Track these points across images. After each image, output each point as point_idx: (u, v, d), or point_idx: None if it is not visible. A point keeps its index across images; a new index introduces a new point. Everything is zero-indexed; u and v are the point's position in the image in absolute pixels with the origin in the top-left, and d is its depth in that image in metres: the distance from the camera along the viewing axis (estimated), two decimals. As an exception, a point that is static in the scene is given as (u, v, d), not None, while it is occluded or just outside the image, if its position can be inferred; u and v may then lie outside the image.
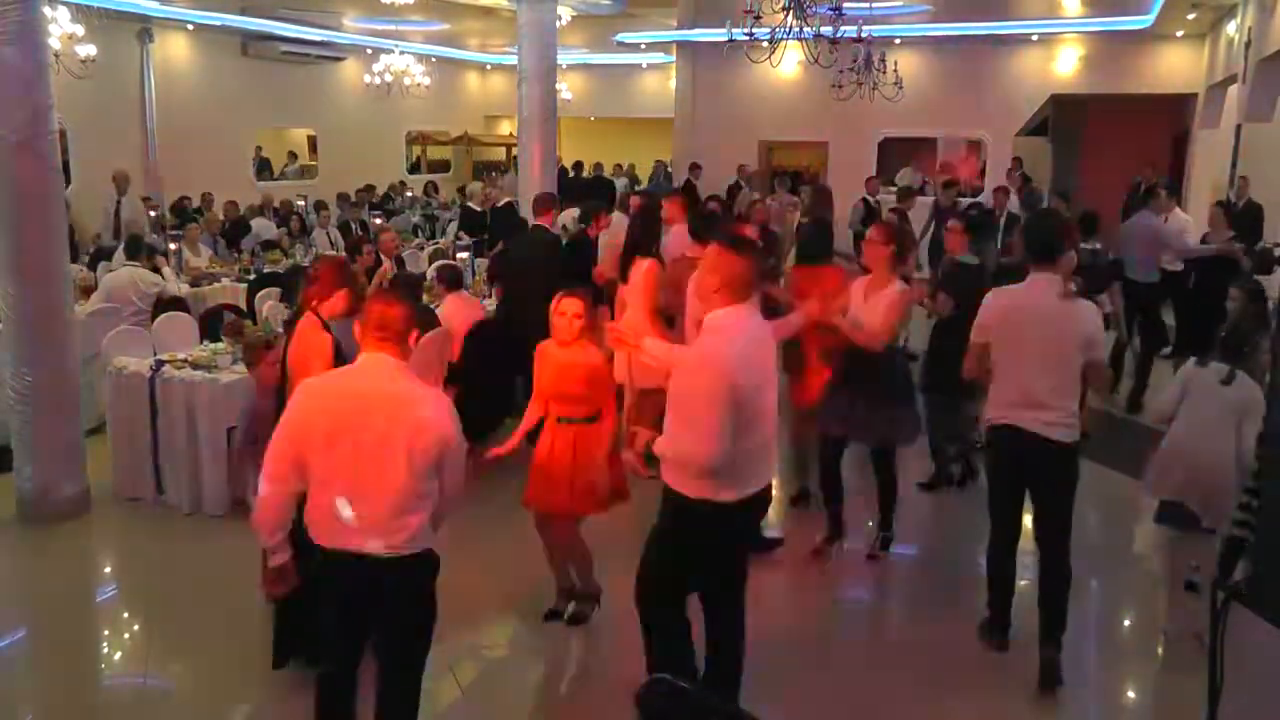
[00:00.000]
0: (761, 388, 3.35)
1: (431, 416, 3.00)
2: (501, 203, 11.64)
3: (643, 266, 5.91)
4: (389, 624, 3.15)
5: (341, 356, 4.00)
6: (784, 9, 8.07)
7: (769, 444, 3.50)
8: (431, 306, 7.05)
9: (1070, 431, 4.02)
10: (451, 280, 7.03)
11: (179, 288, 8.49)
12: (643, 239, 6.10)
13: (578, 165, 18.67)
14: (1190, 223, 9.46)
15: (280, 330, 5.65)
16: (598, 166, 18.35)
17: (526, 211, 9.99)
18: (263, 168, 16.63)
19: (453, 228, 12.94)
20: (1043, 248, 4.12)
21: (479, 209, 12.32)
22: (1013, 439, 4.07)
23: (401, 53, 16.13)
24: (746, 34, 8.27)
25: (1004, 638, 4.41)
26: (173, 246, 9.48)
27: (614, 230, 7.41)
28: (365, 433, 2.95)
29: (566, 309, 4.26)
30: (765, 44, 8.41)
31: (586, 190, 15.06)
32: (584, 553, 4.57)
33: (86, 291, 7.97)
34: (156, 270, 8.21)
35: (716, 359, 3.25)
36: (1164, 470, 4.46)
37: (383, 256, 8.27)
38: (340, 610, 3.16)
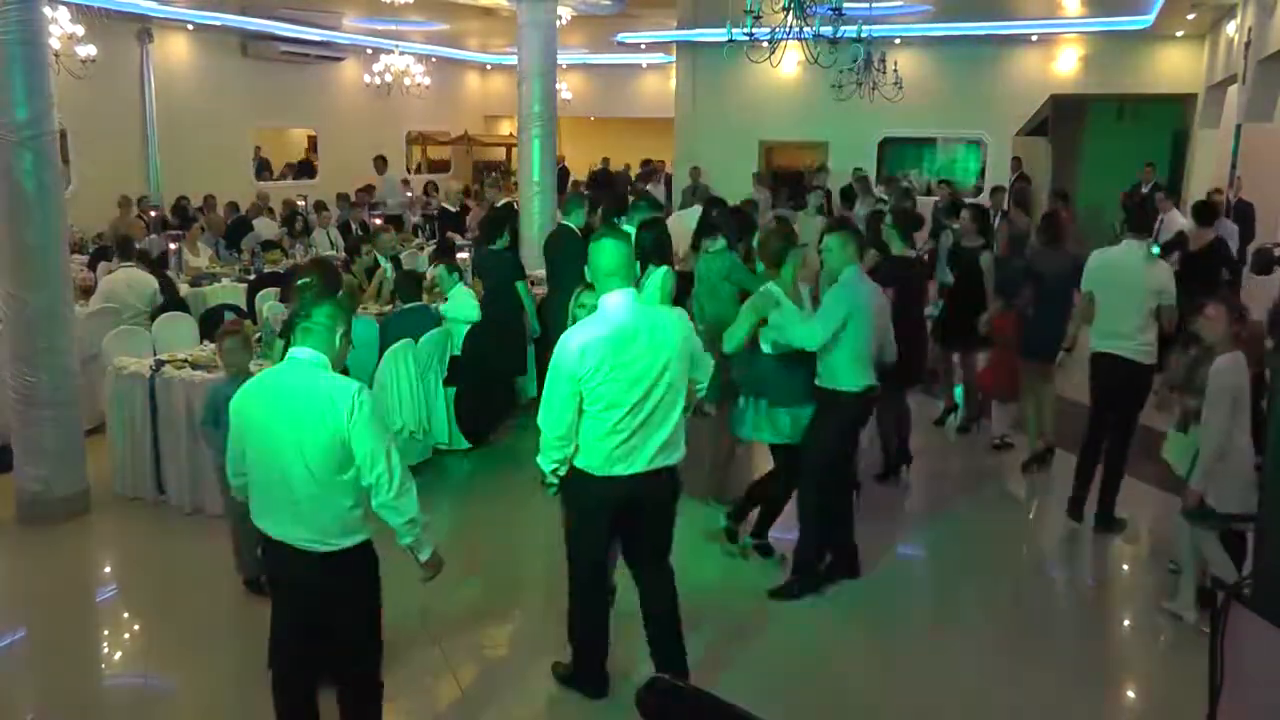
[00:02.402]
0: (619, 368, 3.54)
1: (329, 412, 3.04)
2: (500, 203, 11.64)
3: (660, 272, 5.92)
4: (329, 615, 3.22)
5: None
6: (784, 9, 8.06)
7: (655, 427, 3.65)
8: (431, 307, 7.05)
9: (1149, 356, 5.41)
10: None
11: (181, 284, 8.49)
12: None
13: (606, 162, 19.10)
14: (1189, 225, 9.49)
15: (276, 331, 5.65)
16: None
17: (527, 211, 10.06)
18: (261, 168, 16.61)
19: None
20: (1140, 221, 5.88)
21: (454, 209, 12.46)
22: (1109, 362, 5.46)
23: (401, 53, 16.13)
24: (746, 34, 8.26)
25: (1081, 517, 5.71)
26: (173, 246, 9.48)
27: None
28: (282, 427, 3.05)
29: (586, 304, 4.36)
30: (765, 44, 8.40)
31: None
32: None
33: (86, 291, 7.97)
34: (163, 270, 8.23)
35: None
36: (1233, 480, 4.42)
37: (380, 257, 8.29)
38: (280, 601, 3.28)
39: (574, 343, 3.54)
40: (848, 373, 4.69)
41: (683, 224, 7.94)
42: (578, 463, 3.66)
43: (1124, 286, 5.47)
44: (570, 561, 3.94)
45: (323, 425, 3.02)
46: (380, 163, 14.65)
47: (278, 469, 3.07)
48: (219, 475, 4.91)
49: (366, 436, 3.04)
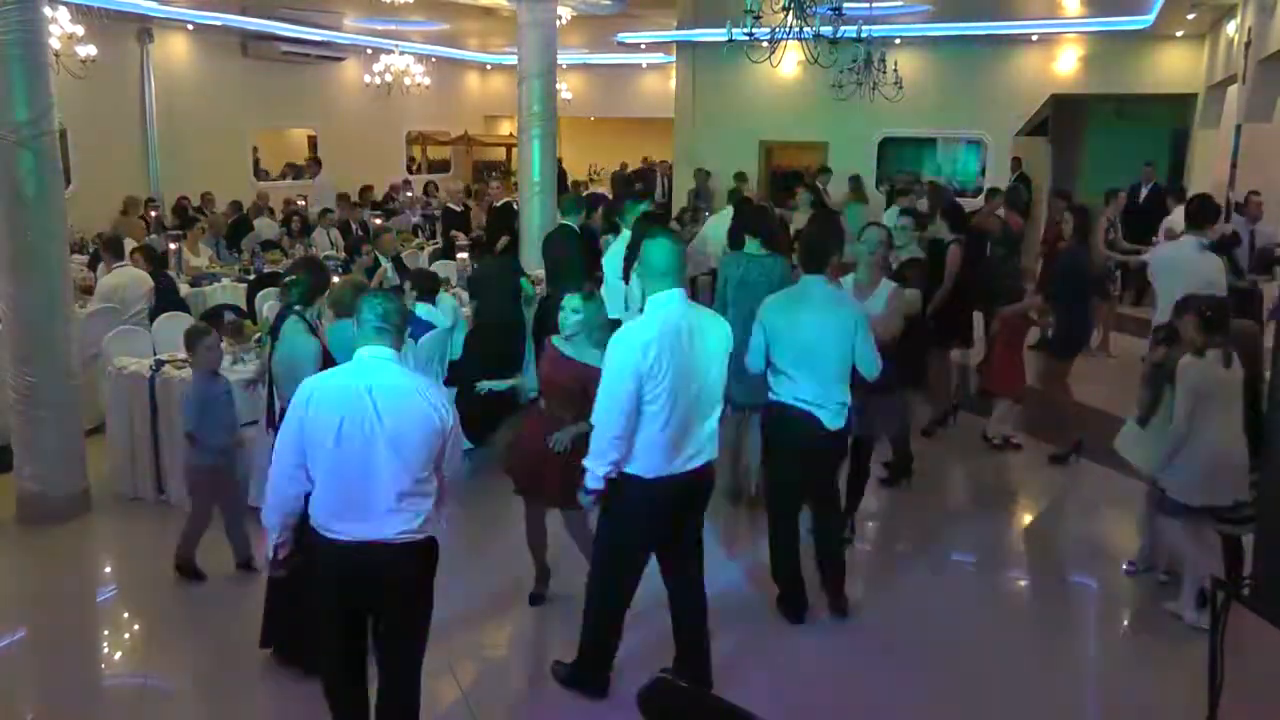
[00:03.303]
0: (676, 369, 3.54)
1: (428, 407, 3.07)
2: (500, 203, 11.65)
3: None
4: (390, 612, 3.21)
5: (330, 358, 4.04)
6: (784, 9, 8.05)
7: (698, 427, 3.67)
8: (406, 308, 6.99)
9: None
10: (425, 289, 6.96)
11: (181, 284, 8.50)
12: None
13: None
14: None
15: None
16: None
17: (527, 211, 10.06)
18: (256, 168, 16.55)
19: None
20: (1196, 218, 6.27)
21: (459, 209, 12.46)
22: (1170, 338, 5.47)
23: (401, 53, 16.13)
24: (746, 34, 8.25)
25: None
26: (173, 246, 9.48)
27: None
28: (366, 425, 3.02)
29: (567, 305, 4.39)
30: (765, 44, 8.40)
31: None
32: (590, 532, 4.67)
33: (86, 291, 7.97)
34: (164, 268, 8.24)
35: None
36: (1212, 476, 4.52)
37: (380, 257, 8.29)
38: (339, 601, 3.21)
39: (635, 340, 3.54)
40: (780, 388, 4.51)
41: (721, 226, 7.98)
42: (628, 469, 3.62)
43: (1185, 275, 5.89)
44: (599, 565, 3.91)
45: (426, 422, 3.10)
46: (313, 164, 13.77)
47: (368, 466, 3.08)
48: (200, 475, 4.96)
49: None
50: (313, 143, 17.62)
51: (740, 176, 12.58)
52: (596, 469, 3.61)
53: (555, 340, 4.43)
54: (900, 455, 6.40)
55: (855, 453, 5.33)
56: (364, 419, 3.04)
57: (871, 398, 4.98)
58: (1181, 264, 6.12)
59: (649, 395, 3.52)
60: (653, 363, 3.49)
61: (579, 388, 4.17)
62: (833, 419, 4.42)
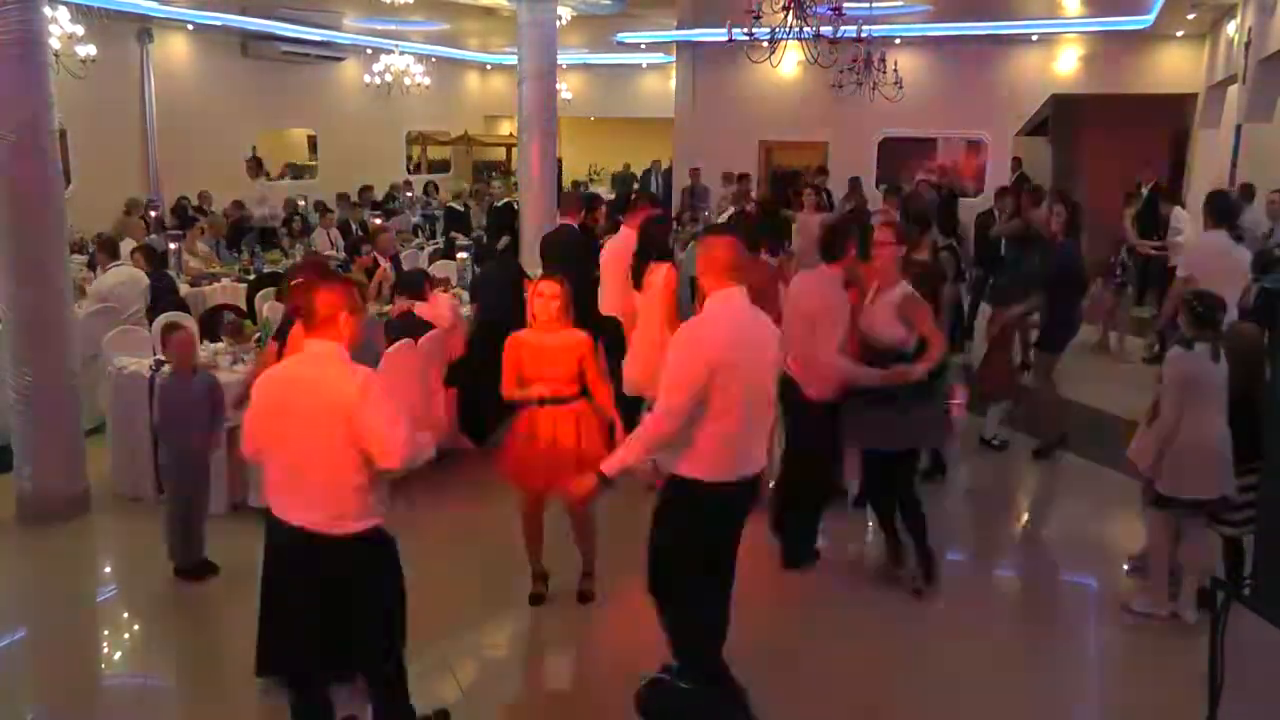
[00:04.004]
0: (745, 369, 3.43)
1: (335, 397, 3.06)
2: (500, 203, 11.66)
3: (660, 271, 5.91)
4: (348, 604, 3.20)
5: None
6: (784, 9, 8.06)
7: (761, 430, 3.59)
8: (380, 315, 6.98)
9: None
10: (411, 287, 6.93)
11: (181, 284, 8.50)
12: (656, 244, 6.12)
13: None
14: (1188, 220, 9.56)
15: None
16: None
17: (527, 212, 10.05)
18: (253, 166, 16.54)
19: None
20: (1225, 213, 6.48)
21: (461, 209, 12.46)
22: None
23: (401, 53, 16.14)
24: (746, 34, 8.26)
25: None
26: (173, 246, 9.49)
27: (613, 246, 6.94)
28: (294, 416, 3.09)
29: (544, 291, 4.40)
30: (765, 44, 8.40)
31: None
32: (593, 524, 4.71)
33: (84, 293, 7.96)
34: (163, 268, 8.24)
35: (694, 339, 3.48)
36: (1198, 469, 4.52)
37: (379, 257, 8.29)
38: (294, 594, 3.24)
39: (704, 339, 3.43)
40: None
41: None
42: (686, 472, 3.50)
43: (1225, 271, 6.10)
44: (668, 580, 3.68)
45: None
46: (253, 165, 13.09)
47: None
48: (168, 471, 4.98)
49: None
50: (312, 143, 17.63)
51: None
52: (627, 459, 3.51)
53: (525, 334, 4.47)
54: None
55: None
56: None
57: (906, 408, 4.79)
58: (1218, 260, 6.20)
59: (713, 397, 3.39)
60: (723, 364, 3.38)
61: (578, 367, 4.34)
62: None
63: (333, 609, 3.19)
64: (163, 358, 6.25)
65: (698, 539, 3.62)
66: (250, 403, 3.25)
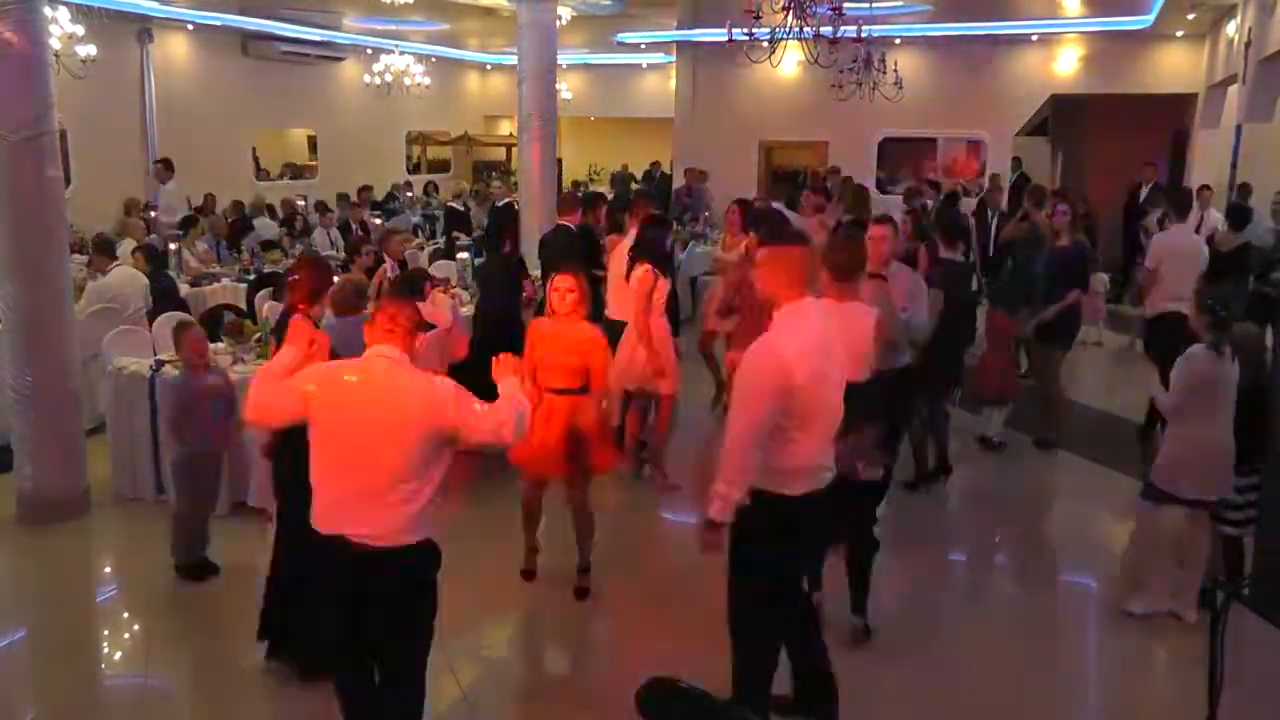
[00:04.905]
0: (815, 384, 3.26)
1: (419, 410, 3.04)
2: (501, 203, 11.66)
3: (638, 272, 6.03)
4: (383, 616, 3.16)
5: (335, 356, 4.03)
6: (784, 9, 8.06)
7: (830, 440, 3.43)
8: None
9: None
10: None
11: (181, 284, 8.50)
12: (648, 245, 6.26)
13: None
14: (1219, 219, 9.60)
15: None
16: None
17: (527, 212, 10.06)
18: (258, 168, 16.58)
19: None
20: (1181, 207, 7.63)
21: (462, 209, 12.46)
22: (1175, 319, 6.07)
23: (401, 53, 16.13)
24: (746, 34, 8.26)
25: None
26: (173, 246, 9.48)
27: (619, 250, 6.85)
28: (359, 423, 3.03)
29: (560, 285, 4.57)
30: (765, 44, 8.40)
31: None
32: (592, 521, 4.81)
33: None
34: (163, 268, 8.24)
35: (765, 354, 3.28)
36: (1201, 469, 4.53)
37: (388, 259, 8.27)
38: (337, 602, 3.18)
39: (785, 355, 3.19)
40: None
41: None
42: (765, 486, 3.26)
43: (1181, 258, 6.99)
44: (747, 606, 3.45)
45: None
46: (162, 168, 12.07)
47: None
48: (178, 469, 4.97)
49: None
50: (312, 143, 17.64)
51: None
52: (731, 494, 3.20)
53: (543, 322, 4.66)
54: (923, 457, 6.33)
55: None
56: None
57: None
58: (1183, 251, 7.11)
59: (793, 413, 3.21)
60: (803, 379, 3.18)
61: (581, 361, 4.48)
62: None
63: (377, 619, 3.14)
64: (163, 358, 6.25)
65: (786, 557, 3.44)
66: (310, 400, 3.10)
